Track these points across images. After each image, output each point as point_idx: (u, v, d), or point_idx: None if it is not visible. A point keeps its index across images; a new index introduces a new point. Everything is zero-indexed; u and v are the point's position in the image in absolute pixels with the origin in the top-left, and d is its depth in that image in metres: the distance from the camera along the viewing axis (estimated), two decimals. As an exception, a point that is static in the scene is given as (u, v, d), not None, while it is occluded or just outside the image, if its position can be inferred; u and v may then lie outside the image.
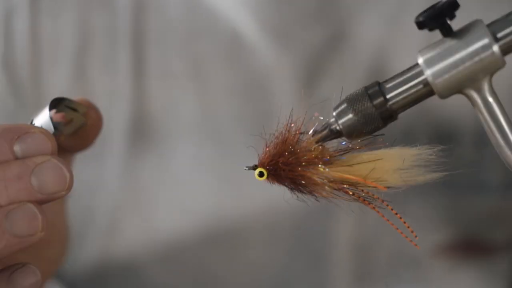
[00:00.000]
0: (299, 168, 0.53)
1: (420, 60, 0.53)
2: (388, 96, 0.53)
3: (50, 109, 0.58)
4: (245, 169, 0.56)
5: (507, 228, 0.93)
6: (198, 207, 0.90)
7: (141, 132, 0.90)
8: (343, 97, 0.55)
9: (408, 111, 0.55)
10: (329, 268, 0.91)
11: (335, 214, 0.89)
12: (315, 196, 0.54)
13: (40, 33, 0.90)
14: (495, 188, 0.91)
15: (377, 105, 0.53)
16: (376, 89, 0.54)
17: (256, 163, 0.55)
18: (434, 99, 0.55)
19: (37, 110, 0.86)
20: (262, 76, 0.88)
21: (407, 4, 0.90)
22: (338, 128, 0.54)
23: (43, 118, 0.58)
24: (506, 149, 0.53)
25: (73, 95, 0.86)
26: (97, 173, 0.90)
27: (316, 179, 0.53)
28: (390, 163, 0.54)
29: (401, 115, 0.55)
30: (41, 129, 0.54)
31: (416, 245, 0.54)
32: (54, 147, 0.54)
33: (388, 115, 0.54)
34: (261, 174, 0.55)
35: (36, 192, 0.52)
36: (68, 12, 0.91)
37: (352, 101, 0.54)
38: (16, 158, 0.53)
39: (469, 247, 0.92)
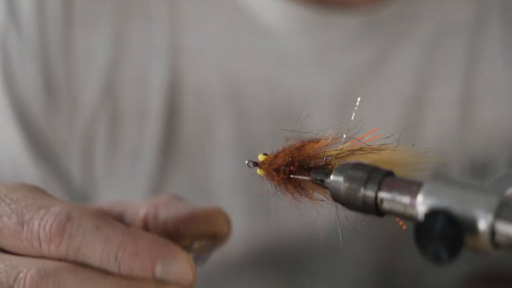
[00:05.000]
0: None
1: (420, 198, 0.46)
2: (380, 196, 0.48)
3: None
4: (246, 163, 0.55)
5: None
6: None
7: (174, 149, 0.88)
8: (353, 163, 0.51)
9: None
10: None
11: (368, 242, 0.89)
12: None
13: (74, 46, 0.87)
14: None
15: (365, 197, 0.49)
16: (374, 185, 0.49)
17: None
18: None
19: (70, 123, 0.86)
20: (300, 98, 0.86)
21: (446, 34, 0.90)
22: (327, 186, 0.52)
23: None
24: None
25: (105, 111, 0.86)
26: (127, 190, 0.88)
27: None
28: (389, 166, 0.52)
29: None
30: (187, 257, 0.52)
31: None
32: (194, 281, 0.52)
33: (374, 208, 0.49)
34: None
35: None
36: (102, 25, 0.87)
37: (350, 180, 0.50)
38: (154, 278, 0.50)
39: (493, 279, 0.92)
